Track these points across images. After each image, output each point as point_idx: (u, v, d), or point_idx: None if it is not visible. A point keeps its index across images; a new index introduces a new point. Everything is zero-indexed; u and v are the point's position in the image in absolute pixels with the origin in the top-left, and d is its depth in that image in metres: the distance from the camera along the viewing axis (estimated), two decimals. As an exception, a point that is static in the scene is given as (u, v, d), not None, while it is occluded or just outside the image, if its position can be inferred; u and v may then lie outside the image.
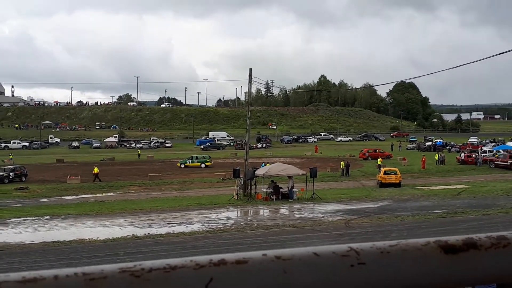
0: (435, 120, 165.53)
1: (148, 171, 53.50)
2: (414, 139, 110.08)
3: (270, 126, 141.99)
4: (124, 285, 0.64)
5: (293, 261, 0.69)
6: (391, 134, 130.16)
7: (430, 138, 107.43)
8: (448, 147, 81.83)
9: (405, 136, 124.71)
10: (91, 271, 0.64)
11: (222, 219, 26.66)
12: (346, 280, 0.70)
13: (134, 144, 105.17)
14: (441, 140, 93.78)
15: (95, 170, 47.63)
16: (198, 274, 0.65)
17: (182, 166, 60.68)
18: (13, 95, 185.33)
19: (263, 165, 43.38)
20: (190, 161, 62.09)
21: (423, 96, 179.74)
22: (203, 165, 60.03)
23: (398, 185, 39.02)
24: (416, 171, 51.33)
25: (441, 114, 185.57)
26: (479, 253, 0.75)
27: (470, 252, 0.75)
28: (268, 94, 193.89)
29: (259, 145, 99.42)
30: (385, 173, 40.63)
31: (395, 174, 40.35)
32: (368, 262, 0.71)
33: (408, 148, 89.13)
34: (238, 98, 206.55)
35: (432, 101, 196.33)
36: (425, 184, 40.35)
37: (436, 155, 59.63)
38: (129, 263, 0.66)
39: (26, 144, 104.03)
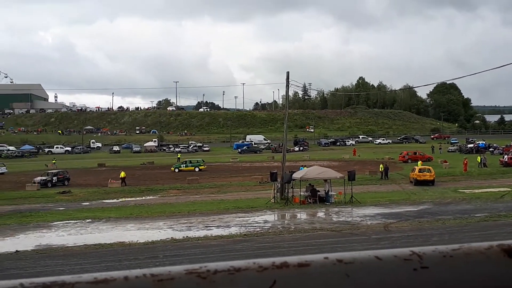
0: (477, 121, 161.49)
1: (186, 175, 54.09)
2: (456, 141, 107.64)
3: (308, 129, 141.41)
4: (190, 286, 0.65)
5: (355, 264, 0.69)
6: (432, 136, 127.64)
7: (472, 140, 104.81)
8: (490, 149, 79.68)
9: (446, 138, 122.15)
10: (159, 272, 0.66)
11: (260, 223, 26.68)
12: (409, 284, 0.69)
13: (173, 148, 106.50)
14: (484, 142, 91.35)
15: (122, 174, 48.71)
16: (261, 276, 0.66)
17: (176, 170, 61.41)
18: (56, 101, 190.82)
19: (301, 168, 43.21)
20: (184, 165, 63.06)
21: (465, 97, 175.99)
22: (197, 169, 60.58)
23: (432, 182, 40.69)
24: (458, 173, 50.16)
25: (484, 116, 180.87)
26: None
27: None
28: (306, 97, 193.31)
29: (296, 148, 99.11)
30: (420, 170, 42.10)
31: (429, 171, 41.79)
32: (431, 266, 0.70)
33: (450, 150, 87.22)
34: (275, 101, 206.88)
35: (474, 102, 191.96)
36: (467, 187, 39.40)
37: (479, 158, 58.14)
38: (195, 265, 0.68)
39: (69, 149, 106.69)
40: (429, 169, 42.77)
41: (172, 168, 62.44)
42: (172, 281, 0.65)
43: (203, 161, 65.47)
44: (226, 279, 0.66)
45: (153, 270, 0.67)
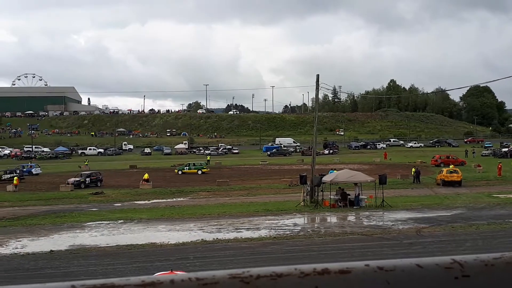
0: (511, 125, 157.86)
1: (216, 177, 54.39)
2: (490, 145, 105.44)
3: (337, 132, 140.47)
4: None
5: (396, 272, 0.68)
6: (465, 140, 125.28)
7: (506, 144, 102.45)
8: (526, 153, 77.73)
9: (480, 142, 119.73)
10: (204, 276, 0.68)
11: (289, 226, 26.63)
12: None
13: (203, 151, 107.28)
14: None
15: (146, 176, 49.27)
16: (303, 282, 0.67)
17: (180, 172, 61.84)
18: (89, 104, 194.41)
19: (331, 171, 42.98)
20: (187, 167, 63.50)
21: (499, 100, 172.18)
22: (199, 172, 60.92)
23: (459, 183, 42.70)
24: (492, 178, 49.13)
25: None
26: None
27: None
28: (335, 100, 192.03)
29: (326, 151, 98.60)
30: (448, 172, 44.25)
31: (457, 173, 43.88)
32: (473, 274, 0.69)
33: (483, 154, 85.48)
34: (304, 104, 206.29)
35: (508, 106, 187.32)
36: (501, 192, 38.55)
37: (514, 162, 56.85)
38: (238, 270, 0.69)
39: (101, 150, 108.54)
40: (457, 170, 44.76)
41: (176, 170, 63.15)
42: (216, 285, 0.67)
43: (206, 164, 67.37)
44: (268, 284, 0.66)
45: (198, 274, 0.68)
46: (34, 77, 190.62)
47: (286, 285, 0.66)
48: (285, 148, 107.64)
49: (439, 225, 25.48)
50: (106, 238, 24.43)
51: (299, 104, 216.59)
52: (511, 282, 0.70)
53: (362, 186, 33.71)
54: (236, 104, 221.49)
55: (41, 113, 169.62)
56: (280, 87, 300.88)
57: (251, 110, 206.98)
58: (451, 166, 50.24)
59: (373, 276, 0.68)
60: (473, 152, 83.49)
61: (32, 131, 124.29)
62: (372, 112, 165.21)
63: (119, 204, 37.82)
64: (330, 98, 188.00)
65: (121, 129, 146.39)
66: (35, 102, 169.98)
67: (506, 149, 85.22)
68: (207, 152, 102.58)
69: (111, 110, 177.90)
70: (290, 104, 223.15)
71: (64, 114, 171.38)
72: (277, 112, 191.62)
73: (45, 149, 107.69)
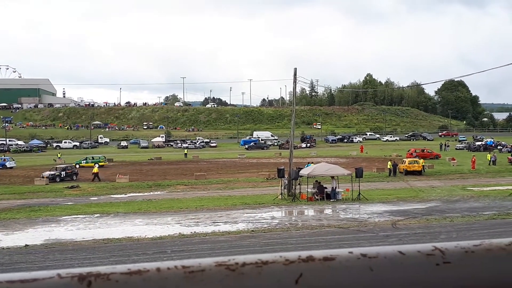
0: (485, 119, 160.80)
1: (193, 170, 54.26)
2: (464, 138, 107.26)
3: (315, 126, 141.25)
4: (220, 278, 0.67)
5: (379, 259, 0.70)
6: (440, 134, 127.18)
7: (480, 138, 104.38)
8: (499, 147, 79.32)
9: (454, 136, 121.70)
10: (190, 264, 0.69)
11: (267, 219, 26.73)
12: (432, 279, 0.70)
13: (180, 144, 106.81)
14: (492, 140, 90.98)
15: (95, 169, 48.90)
16: (288, 269, 0.68)
17: (77, 166, 60.50)
18: (64, 96, 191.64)
19: (308, 165, 43.22)
20: (85, 161, 63.54)
21: (473, 94, 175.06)
22: (96, 165, 57.60)
23: (419, 172, 47.16)
24: (466, 171, 50.02)
25: (492, 113, 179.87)
26: None
27: None
28: (313, 94, 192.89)
29: (304, 145, 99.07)
30: (409, 162, 48.76)
31: (417, 163, 48.41)
32: (453, 261, 0.72)
33: (458, 148, 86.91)
34: (282, 97, 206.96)
35: (482, 100, 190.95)
36: (475, 185, 39.31)
37: (488, 155, 57.93)
38: (224, 257, 0.70)
39: (77, 144, 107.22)
40: (417, 160, 49.54)
41: (74, 164, 61.23)
42: (202, 272, 0.67)
43: (105, 158, 67.53)
44: (254, 271, 0.67)
45: (184, 262, 0.69)
46: (7, 69, 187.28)
47: (271, 272, 0.67)
48: (262, 141, 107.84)
49: (414, 217, 25.86)
50: (82, 232, 24.18)
51: (277, 98, 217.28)
52: (490, 268, 0.72)
53: (338, 179, 34.00)
54: (213, 97, 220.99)
55: (15, 106, 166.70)
56: (258, 81, 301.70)
57: (228, 103, 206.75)
58: (421, 161, 51.12)
59: (357, 263, 0.69)
60: (447, 146, 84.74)
61: (6, 124, 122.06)
62: (349, 106, 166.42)
63: (95, 198, 37.46)
64: (307, 92, 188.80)
65: (97, 122, 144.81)
66: (9, 94, 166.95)
67: (480, 143, 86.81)
68: (184, 145, 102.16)
69: (87, 103, 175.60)
70: (268, 98, 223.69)
71: (38, 106, 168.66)
72: (255, 105, 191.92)
73: (19, 142, 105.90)
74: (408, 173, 47.07)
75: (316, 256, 0.70)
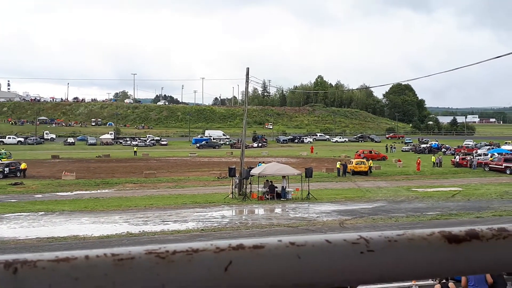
0: (430, 122, 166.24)
1: (143, 168, 53.51)
2: (410, 141, 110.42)
3: (267, 126, 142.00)
4: (150, 266, 0.67)
5: (307, 247, 0.72)
6: (387, 136, 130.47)
7: (425, 140, 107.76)
8: (443, 150, 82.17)
9: (401, 138, 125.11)
10: (120, 252, 0.68)
11: (217, 218, 26.70)
12: (356, 266, 0.73)
13: (129, 142, 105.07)
14: (437, 142, 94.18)
15: (23, 165, 48.16)
16: (218, 257, 0.69)
17: None
18: (9, 90, 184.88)
19: (259, 164, 43.43)
20: None
21: (419, 98, 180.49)
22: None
23: (366, 173, 48.99)
24: (411, 173, 51.52)
25: (437, 117, 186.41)
26: (481, 244, 0.79)
27: (473, 243, 0.79)
28: (265, 94, 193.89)
29: (255, 145, 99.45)
30: (357, 163, 50.47)
31: (364, 164, 50.36)
32: (377, 249, 0.74)
33: (403, 150, 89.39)
34: (234, 97, 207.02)
35: (428, 104, 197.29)
36: (419, 186, 40.53)
37: (433, 157, 59.87)
38: (155, 246, 0.70)
39: (22, 139, 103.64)
40: (364, 161, 51.55)
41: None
42: (132, 260, 0.67)
43: (9, 153, 66.65)
44: (184, 259, 0.68)
45: (114, 250, 0.68)
46: None
47: (202, 259, 0.68)
48: (214, 140, 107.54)
49: (361, 217, 26.46)
50: (25, 230, 23.45)
51: (229, 97, 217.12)
52: (412, 257, 0.75)
53: (289, 179, 34.33)
54: (165, 95, 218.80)
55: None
56: (210, 79, 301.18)
57: (180, 101, 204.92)
58: (370, 162, 52.50)
59: (285, 251, 0.71)
60: (393, 148, 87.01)
61: None
62: (300, 107, 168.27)
63: (40, 195, 36.33)
64: (260, 92, 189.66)
65: (43, 118, 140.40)
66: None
67: (425, 145, 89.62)
68: (134, 143, 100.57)
69: (32, 98, 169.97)
70: (220, 97, 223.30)
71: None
72: (207, 104, 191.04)
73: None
74: (355, 173, 48.69)
75: (246, 244, 0.71)
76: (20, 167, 48.11)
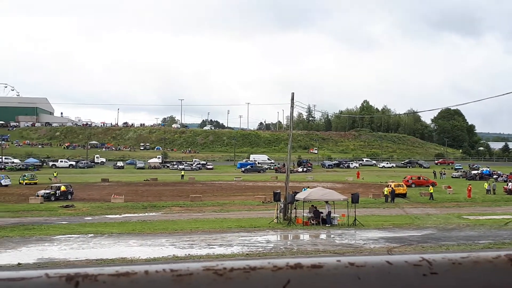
0: (481, 148, 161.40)
1: (189, 192, 54.09)
2: (460, 167, 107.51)
3: (312, 151, 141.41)
4: (207, 282, 0.67)
5: (367, 268, 0.71)
6: (436, 162, 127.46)
7: (476, 167, 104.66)
8: (494, 176, 79.55)
9: (450, 164, 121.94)
10: (178, 267, 0.69)
11: (262, 242, 26.58)
12: None
13: (176, 166, 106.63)
14: (488, 169, 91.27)
15: (62, 188, 49.26)
16: (276, 276, 0.68)
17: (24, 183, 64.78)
18: (62, 116, 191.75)
19: (304, 189, 43.19)
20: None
21: (469, 123, 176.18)
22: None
23: (404, 195, 51.01)
24: (462, 200, 50.04)
25: (488, 142, 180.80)
26: None
27: None
28: (310, 119, 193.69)
29: (300, 169, 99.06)
30: (395, 185, 52.36)
31: (403, 187, 53.53)
32: (441, 272, 0.72)
33: (454, 176, 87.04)
34: (279, 121, 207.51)
35: (478, 129, 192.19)
36: (471, 214, 39.26)
37: (486, 184, 58.05)
38: (212, 262, 0.70)
39: (73, 163, 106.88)
40: (402, 184, 55.34)
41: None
42: (190, 276, 0.67)
43: (33, 175, 70.33)
44: (241, 276, 0.67)
45: (173, 266, 0.69)
46: (6, 87, 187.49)
47: (259, 277, 0.67)
48: (259, 165, 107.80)
49: (410, 245, 25.77)
50: (75, 252, 23.98)
51: (274, 122, 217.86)
52: (476, 280, 0.72)
53: (335, 205, 33.93)
54: (211, 120, 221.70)
55: (12, 124, 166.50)
56: (256, 104, 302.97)
57: (226, 126, 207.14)
58: (430, 189, 51.97)
59: (344, 271, 0.69)
60: (443, 174, 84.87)
61: (3, 142, 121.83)
62: (346, 132, 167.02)
63: (90, 218, 37.23)
64: (304, 117, 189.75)
65: (94, 142, 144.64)
66: (7, 113, 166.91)
67: (476, 172, 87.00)
68: (181, 167, 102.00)
69: (84, 123, 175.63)
70: (265, 121, 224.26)
71: (35, 125, 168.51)
72: (252, 128, 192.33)
73: (15, 160, 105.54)
74: (394, 196, 48.70)
75: (304, 264, 0.70)
76: (61, 189, 49.30)
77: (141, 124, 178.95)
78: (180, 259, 22.05)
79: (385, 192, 48.84)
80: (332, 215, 33.23)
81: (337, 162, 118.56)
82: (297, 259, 0.71)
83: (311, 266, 0.69)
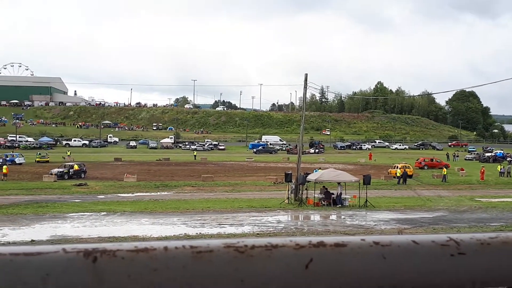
0: (495, 130, 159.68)
1: (201, 172, 54.32)
2: (473, 149, 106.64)
3: (324, 132, 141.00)
4: (228, 259, 0.66)
5: (392, 247, 0.69)
6: (449, 144, 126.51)
7: (490, 149, 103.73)
8: (508, 159, 78.79)
9: (464, 146, 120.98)
10: (198, 244, 0.67)
11: (273, 223, 26.69)
12: (446, 269, 0.70)
13: (188, 146, 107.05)
14: (502, 151, 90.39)
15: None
16: (298, 254, 0.67)
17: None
18: (75, 95, 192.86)
19: (316, 170, 43.14)
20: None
21: (484, 105, 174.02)
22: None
23: (410, 176, 50.66)
24: (474, 182, 49.72)
25: (502, 125, 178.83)
26: None
27: None
28: (323, 100, 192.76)
29: (312, 151, 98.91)
30: (402, 167, 51.64)
31: (409, 168, 52.72)
32: (469, 252, 0.71)
33: (467, 158, 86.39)
34: (292, 103, 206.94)
35: (493, 111, 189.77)
36: (483, 196, 39.00)
37: (499, 166, 57.56)
38: (233, 239, 0.69)
39: (86, 142, 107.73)
40: (409, 166, 54.38)
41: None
42: (210, 253, 0.66)
43: (45, 154, 71.22)
44: (263, 254, 0.67)
45: (193, 242, 0.68)
46: (20, 66, 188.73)
47: (281, 255, 0.67)
48: (271, 146, 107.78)
49: (421, 226, 25.71)
50: (88, 229, 24.26)
51: (287, 103, 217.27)
52: (506, 260, 0.71)
53: (346, 186, 33.89)
54: (223, 101, 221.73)
55: (26, 103, 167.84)
56: (268, 85, 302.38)
57: (238, 107, 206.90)
58: (444, 170, 51.89)
59: (369, 250, 0.69)
60: (456, 156, 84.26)
61: (17, 121, 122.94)
62: (359, 113, 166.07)
63: (103, 196, 37.59)
64: (317, 98, 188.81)
65: (107, 122, 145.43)
66: (21, 92, 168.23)
67: (490, 154, 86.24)
68: (193, 147, 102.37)
69: (97, 102, 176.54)
70: (277, 102, 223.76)
71: (49, 104, 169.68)
72: (265, 109, 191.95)
73: (29, 139, 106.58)
74: (399, 177, 48.83)
75: (327, 242, 0.69)
76: (74, 168, 49.57)
77: (154, 105, 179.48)
78: (191, 237, 22.22)
79: (391, 174, 48.86)
80: (343, 196, 33.21)
81: (349, 143, 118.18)
82: (320, 238, 0.70)
83: (335, 244, 0.69)
